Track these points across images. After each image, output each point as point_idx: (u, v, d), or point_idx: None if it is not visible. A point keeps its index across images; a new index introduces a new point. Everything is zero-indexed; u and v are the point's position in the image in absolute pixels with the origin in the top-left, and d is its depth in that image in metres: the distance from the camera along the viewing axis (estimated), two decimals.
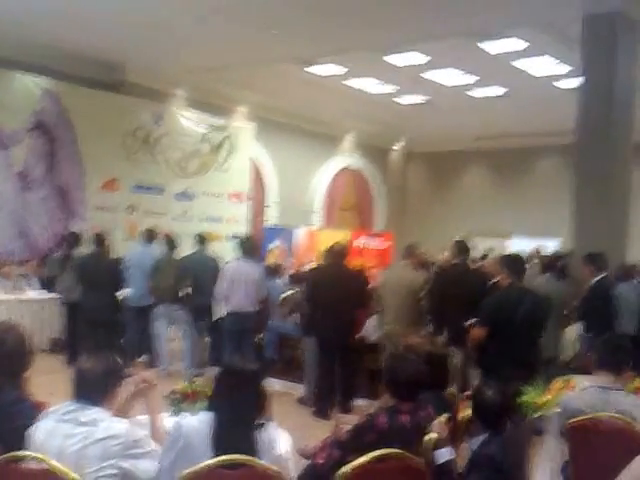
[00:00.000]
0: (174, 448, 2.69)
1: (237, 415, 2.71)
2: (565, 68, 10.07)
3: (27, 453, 2.66)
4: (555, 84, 10.80)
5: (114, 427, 2.70)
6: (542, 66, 10.08)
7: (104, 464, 2.63)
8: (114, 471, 2.65)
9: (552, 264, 7.07)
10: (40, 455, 2.62)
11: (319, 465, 3.20)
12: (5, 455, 2.66)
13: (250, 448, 2.68)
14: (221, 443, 2.66)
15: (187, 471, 2.57)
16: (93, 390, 2.77)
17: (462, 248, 6.56)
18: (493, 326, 4.76)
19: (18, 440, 2.72)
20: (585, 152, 7.50)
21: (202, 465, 2.58)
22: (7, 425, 2.85)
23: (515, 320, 4.71)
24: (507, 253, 6.52)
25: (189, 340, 7.88)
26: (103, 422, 2.70)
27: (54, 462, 2.57)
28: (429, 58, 10.01)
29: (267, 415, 2.87)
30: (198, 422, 2.73)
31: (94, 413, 2.72)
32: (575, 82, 8.09)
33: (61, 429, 2.69)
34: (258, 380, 2.88)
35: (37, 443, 2.69)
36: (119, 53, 10.54)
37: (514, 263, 5.05)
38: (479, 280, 6.33)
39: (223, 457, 2.61)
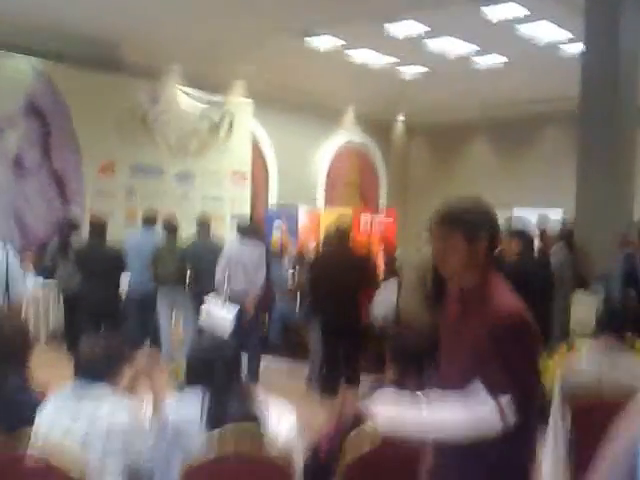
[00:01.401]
0: (164, 438, 2.68)
1: (222, 389, 2.72)
2: (567, 34, 9.86)
3: (29, 448, 2.61)
4: (558, 50, 10.57)
5: (118, 412, 2.70)
6: (544, 32, 9.87)
7: (108, 445, 2.63)
8: (118, 447, 2.65)
9: (564, 234, 7.07)
10: (41, 448, 2.58)
11: (322, 454, 3.13)
12: (8, 445, 2.64)
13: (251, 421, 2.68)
14: (216, 417, 2.64)
15: (189, 462, 2.54)
16: (96, 369, 2.78)
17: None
18: None
19: (21, 427, 2.70)
20: (589, 119, 7.43)
21: (203, 457, 2.56)
22: (11, 414, 2.83)
23: (530, 290, 4.68)
24: (515, 228, 6.45)
25: (191, 326, 7.76)
26: (107, 402, 2.71)
27: (55, 456, 2.53)
28: (428, 27, 9.79)
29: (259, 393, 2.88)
30: (184, 408, 2.72)
31: (98, 392, 2.73)
32: (579, 48, 7.94)
33: (65, 411, 2.69)
34: (233, 355, 2.90)
35: (43, 425, 2.69)
36: (113, 31, 10.27)
37: (523, 235, 5.04)
38: None
39: (228, 448, 2.58)
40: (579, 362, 3.68)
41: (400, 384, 3.10)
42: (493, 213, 2.23)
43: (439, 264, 2.23)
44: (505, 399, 1.95)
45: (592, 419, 3.23)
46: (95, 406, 2.68)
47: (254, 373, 6.93)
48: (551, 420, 3.69)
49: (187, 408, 2.70)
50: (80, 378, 2.79)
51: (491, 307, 2.08)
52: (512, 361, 2.00)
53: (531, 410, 2.07)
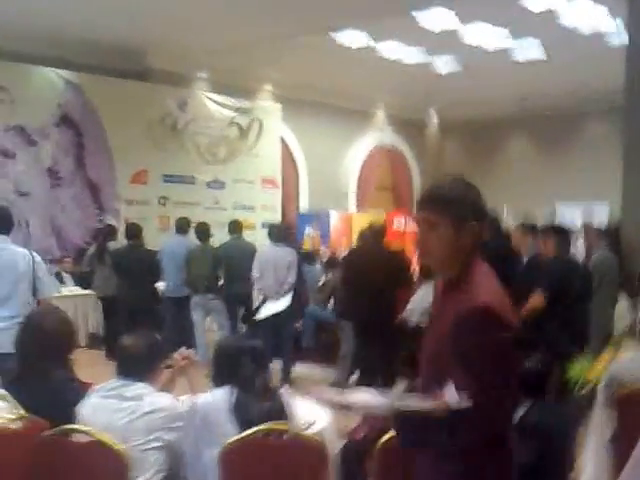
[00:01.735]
0: (192, 426, 2.75)
1: (248, 387, 2.77)
2: (613, 23, 9.46)
3: (76, 427, 2.71)
4: (602, 41, 10.09)
5: (159, 401, 2.77)
6: (587, 22, 9.50)
7: (150, 437, 2.69)
8: (159, 443, 2.71)
9: (609, 232, 6.86)
10: (88, 428, 2.66)
11: (359, 439, 3.12)
12: (54, 429, 2.70)
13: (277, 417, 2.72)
14: (244, 416, 2.69)
15: (232, 439, 2.60)
16: (136, 366, 2.83)
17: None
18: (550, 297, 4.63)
19: (66, 417, 2.77)
20: (635, 112, 7.01)
21: (245, 434, 2.62)
22: (56, 403, 2.88)
23: (571, 291, 4.61)
24: (552, 224, 6.31)
25: (225, 330, 7.81)
26: (148, 396, 2.76)
27: (101, 434, 2.61)
28: (463, 18, 9.50)
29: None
30: (212, 398, 2.79)
31: (138, 388, 2.77)
32: (624, 38, 7.64)
33: (107, 405, 2.75)
34: (258, 350, 2.96)
35: (84, 419, 2.75)
36: (141, 40, 10.36)
37: (561, 233, 4.96)
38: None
39: (267, 426, 2.64)
40: (624, 364, 3.57)
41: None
42: (481, 197, 1.99)
43: (421, 252, 1.98)
44: (464, 401, 1.75)
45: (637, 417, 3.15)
46: (135, 403, 2.73)
47: (287, 376, 6.91)
48: (594, 421, 3.59)
49: (216, 399, 2.76)
50: (121, 376, 2.85)
51: (461, 300, 1.86)
52: (473, 356, 1.79)
53: (499, 403, 1.84)
